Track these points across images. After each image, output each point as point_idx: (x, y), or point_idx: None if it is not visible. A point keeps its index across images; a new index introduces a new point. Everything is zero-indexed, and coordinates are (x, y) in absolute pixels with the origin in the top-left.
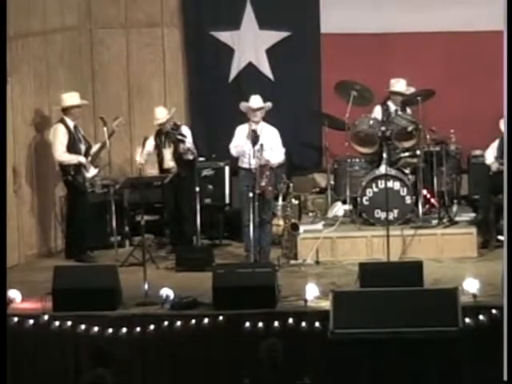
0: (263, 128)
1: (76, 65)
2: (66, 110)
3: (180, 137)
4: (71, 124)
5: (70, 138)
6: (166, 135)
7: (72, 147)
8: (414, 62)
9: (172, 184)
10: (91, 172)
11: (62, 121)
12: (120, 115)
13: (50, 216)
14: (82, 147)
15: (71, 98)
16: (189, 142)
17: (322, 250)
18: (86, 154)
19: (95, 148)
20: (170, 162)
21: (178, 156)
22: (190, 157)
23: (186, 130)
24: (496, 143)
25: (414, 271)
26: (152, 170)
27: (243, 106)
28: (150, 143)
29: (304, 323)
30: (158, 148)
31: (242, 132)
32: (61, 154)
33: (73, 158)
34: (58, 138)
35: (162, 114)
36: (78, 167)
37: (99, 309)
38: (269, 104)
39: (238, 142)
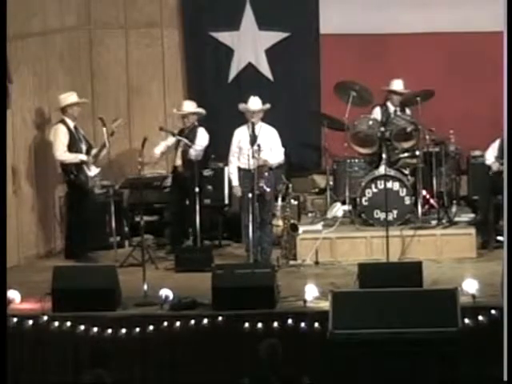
0: (262, 128)
1: (75, 65)
2: (65, 111)
3: (179, 137)
4: (71, 124)
5: (71, 138)
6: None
7: (73, 147)
8: (413, 63)
9: (178, 184)
10: (93, 171)
11: (62, 121)
12: (119, 115)
13: (49, 216)
14: (83, 147)
15: (69, 97)
16: (199, 144)
17: (322, 250)
18: (87, 154)
19: (95, 150)
20: (178, 160)
21: (182, 155)
22: (192, 157)
23: (201, 132)
24: (497, 143)
25: (413, 272)
26: (154, 170)
27: (242, 107)
28: (171, 139)
29: (303, 324)
30: (177, 144)
31: (240, 135)
32: (62, 153)
33: (74, 157)
34: (59, 137)
35: (187, 107)
36: (80, 166)
37: (98, 309)
38: (267, 105)
39: (239, 145)
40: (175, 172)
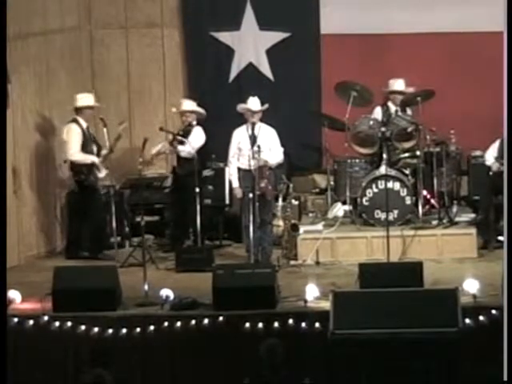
0: (261, 128)
1: (76, 65)
2: (79, 110)
3: (171, 133)
4: (84, 124)
5: (84, 138)
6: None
7: (85, 147)
8: (414, 63)
9: (177, 184)
10: (102, 172)
11: (76, 120)
12: (120, 116)
13: (50, 217)
14: (94, 148)
15: (86, 99)
16: (191, 141)
17: (322, 250)
18: (98, 155)
19: (105, 151)
20: (175, 160)
21: (177, 154)
22: (182, 154)
23: (197, 131)
24: (497, 143)
25: (413, 272)
26: (154, 170)
27: (241, 107)
28: (165, 144)
29: (304, 324)
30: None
31: (239, 135)
32: (75, 153)
33: (86, 158)
34: (72, 137)
35: (185, 106)
36: (91, 167)
37: (99, 309)
38: (266, 105)
39: (239, 146)
40: (174, 172)
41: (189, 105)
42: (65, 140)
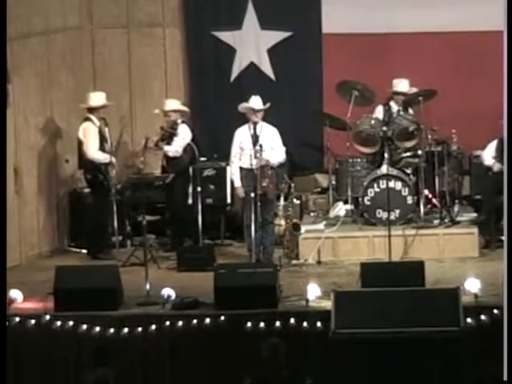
0: (263, 128)
1: (77, 65)
2: (92, 109)
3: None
4: (97, 123)
5: (100, 137)
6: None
7: (101, 146)
8: (415, 62)
9: (171, 184)
10: (113, 171)
11: (90, 119)
12: (121, 115)
13: (51, 216)
14: (107, 146)
15: (100, 98)
16: (177, 140)
17: (324, 249)
18: (111, 154)
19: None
20: (164, 160)
21: (164, 154)
22: (170, 154)
23: (182, 129)
24: (494, 143)
25: (415, 271)
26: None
27: (242, 107)
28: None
29: (305, 323)
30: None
31: (241, 135)
32: (94, 152)
33: (105, 157)
34: (90, 136)
35: (168, 105)
36: (107, 166)
37: (101, 309)
38: (268, 104)
39: (241, 145)
40: (164, 172)
41: (172, 104)
42: (82, 139)
